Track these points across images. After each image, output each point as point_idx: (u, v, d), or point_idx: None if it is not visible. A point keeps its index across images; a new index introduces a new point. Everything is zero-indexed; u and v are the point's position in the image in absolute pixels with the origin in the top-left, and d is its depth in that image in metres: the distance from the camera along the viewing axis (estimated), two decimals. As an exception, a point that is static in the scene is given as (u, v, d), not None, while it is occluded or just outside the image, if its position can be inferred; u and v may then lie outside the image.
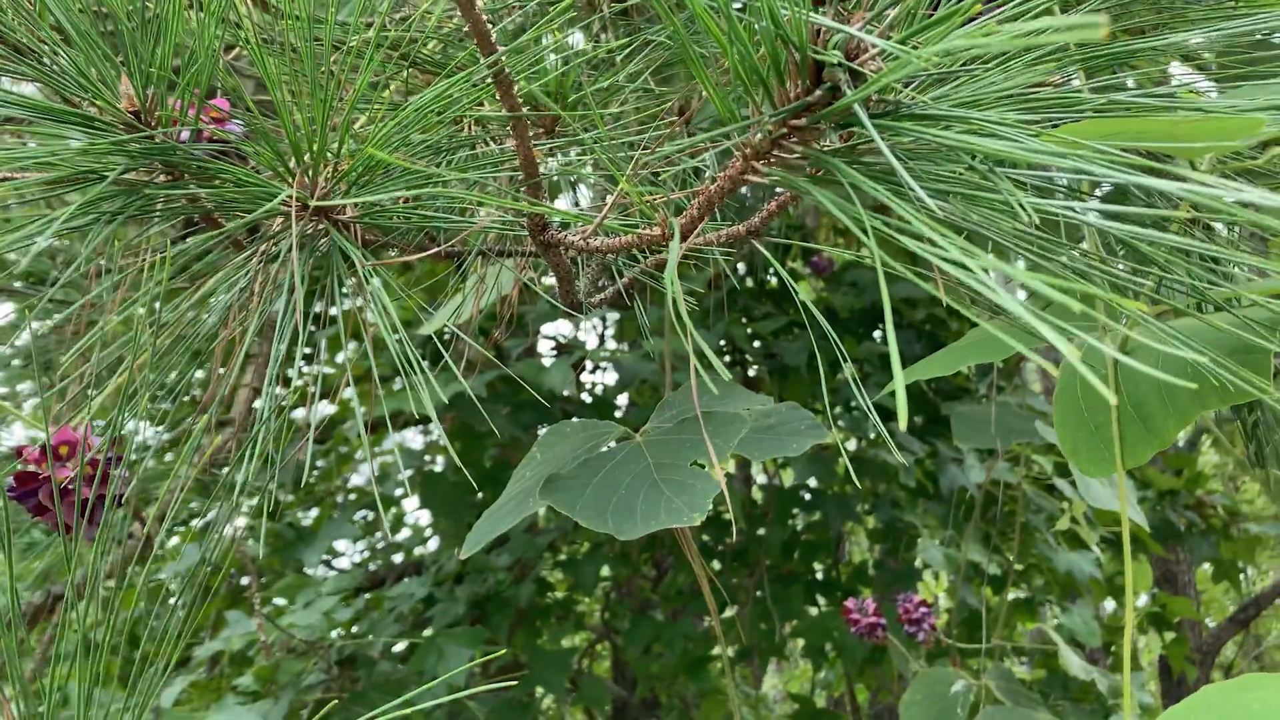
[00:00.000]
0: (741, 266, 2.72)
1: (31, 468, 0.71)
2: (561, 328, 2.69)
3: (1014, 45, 0.31)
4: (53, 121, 0.56)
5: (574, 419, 0.93)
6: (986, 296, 0.31)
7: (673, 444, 0.82)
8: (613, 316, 2.84)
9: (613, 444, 0.86)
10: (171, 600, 0.64)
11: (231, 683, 1.96)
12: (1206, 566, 4.45)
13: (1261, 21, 0.65)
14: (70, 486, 0.70)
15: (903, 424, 0.26)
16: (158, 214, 0.65)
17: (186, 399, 0.64)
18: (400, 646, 2.41)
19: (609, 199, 0.57)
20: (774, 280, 2.80)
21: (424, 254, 0.64)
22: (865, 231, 0.39)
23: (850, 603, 1.70)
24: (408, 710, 0.55)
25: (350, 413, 2.30)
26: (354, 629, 2.37)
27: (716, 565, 2.91)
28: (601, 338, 2.96)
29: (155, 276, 0.53)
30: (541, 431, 2.44)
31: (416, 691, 0.58)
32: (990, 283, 0.31)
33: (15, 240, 0.43)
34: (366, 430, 0.63)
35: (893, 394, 0.86)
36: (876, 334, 2.82)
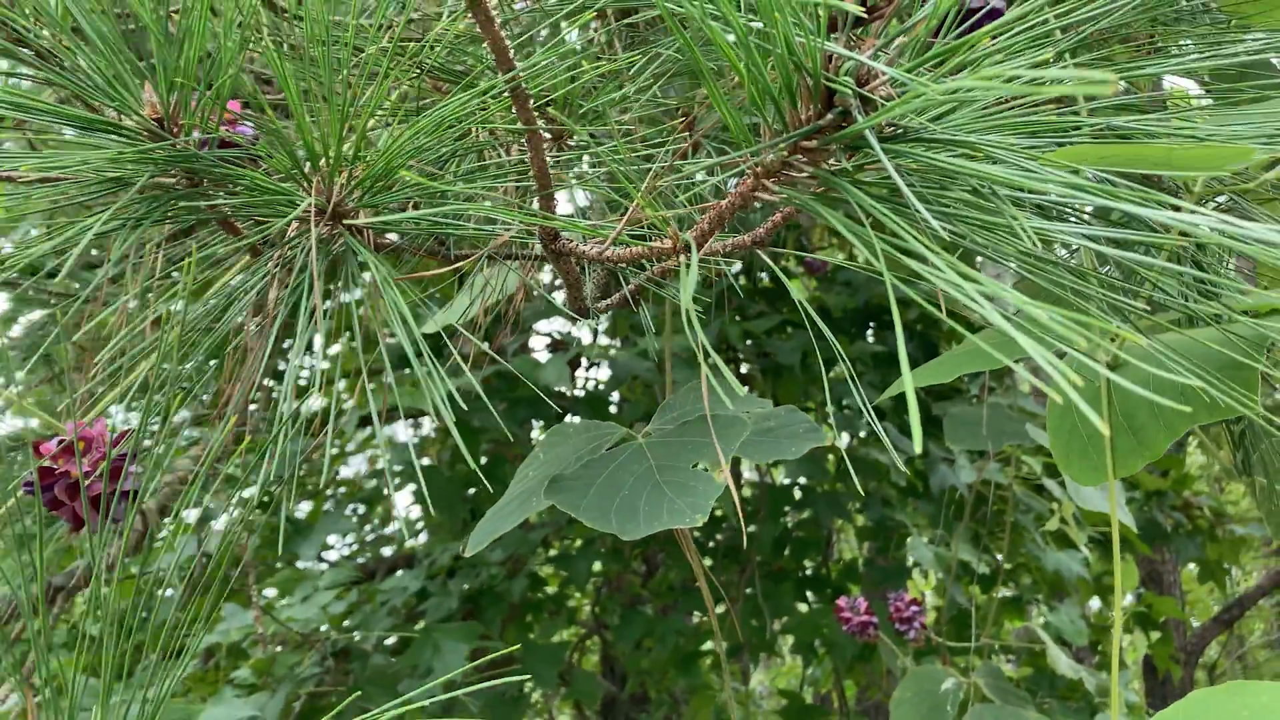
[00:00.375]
0: (736, 266, 2.74)
1: (47, 463, 0.72)
2: (556, 324, 2.71)
3: (1022, 91, 0.33)
4: (79, 129, 0.57)
5: (576, 420, 0.95)
6: (983, 315, 0.33)
7: (675, 446, 0.83)
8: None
9: (615, 445, 0.88)
10: (174, 592, 0.65)
11: (229, 675, 1.97)
12: (1192, 566, 4.49)
13: (1253, 44, 0.68)
14: (87, 481, 0.71)
15: (917, 446, 0.28)
16: (173, 218, 0.66)
17: (184, 391, 0.66)
18: (393, 640, 2.42)
19: (623, 211, 0.59)
20: (767, 279, 2.82)
21: (449, 268, 0.66)
22: (875, 253, 0.41)
23: (842, 601, 1.72)
24: (406, 708, 0.56)
25: (348, 406, 2.30)
26: (346, 622, 2.38)
27: (708, 561, 2.93)
28: (595, 334, 2.98)
29: (184, 279, 0.54)
30: (536, 428, 2.44)
31: (418, 691, 0.60)
32: (986, 304, 0.33)
33: (56, 245, 0.45)
34: (380, 420, 0.64)
35: (892, 395, 0.88)
36: (869, 334, 2.84)
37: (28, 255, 0.46)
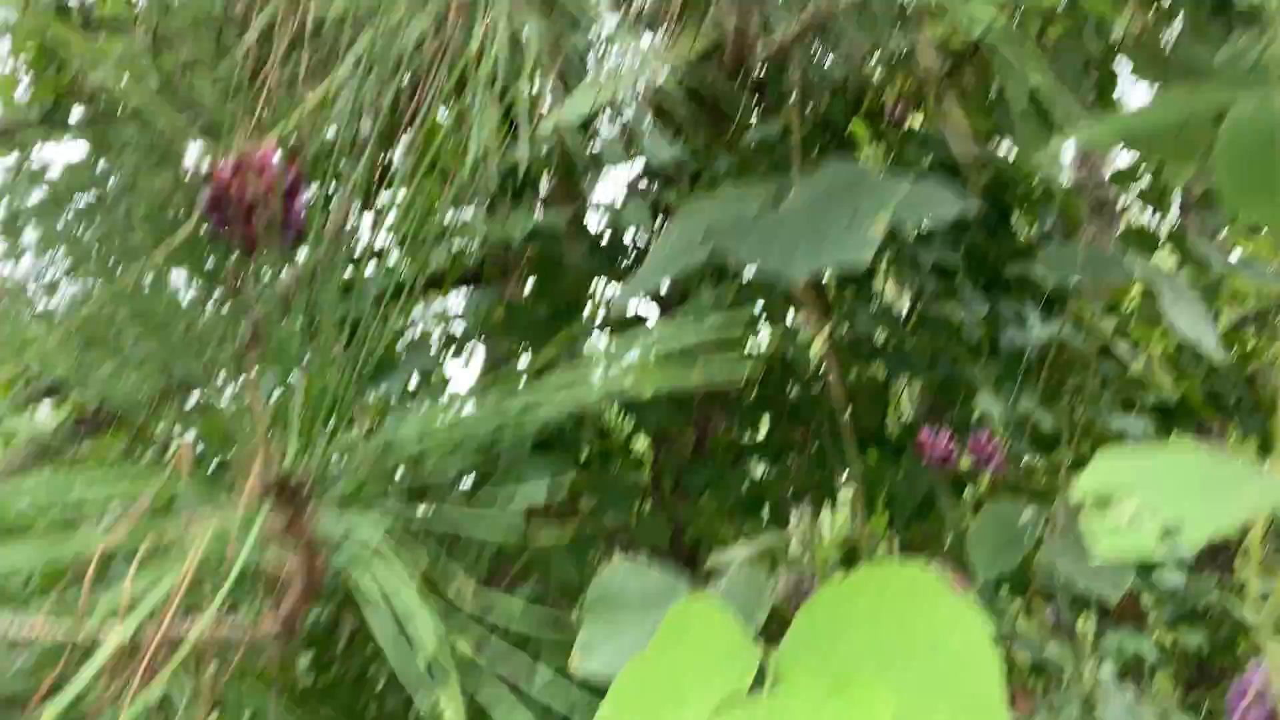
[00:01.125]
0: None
1: (222, 183, 0.74)
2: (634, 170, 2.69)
3: None
4: None
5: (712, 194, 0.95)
6: None
7: (823, 205, 0.83)
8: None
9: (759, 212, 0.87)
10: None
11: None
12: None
13: None
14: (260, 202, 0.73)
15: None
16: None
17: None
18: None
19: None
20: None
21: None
22: None
23: (924, 433, 1.74)
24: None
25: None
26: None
27: (767, 421, 2.96)
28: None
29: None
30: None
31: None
32: None
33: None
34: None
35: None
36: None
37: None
